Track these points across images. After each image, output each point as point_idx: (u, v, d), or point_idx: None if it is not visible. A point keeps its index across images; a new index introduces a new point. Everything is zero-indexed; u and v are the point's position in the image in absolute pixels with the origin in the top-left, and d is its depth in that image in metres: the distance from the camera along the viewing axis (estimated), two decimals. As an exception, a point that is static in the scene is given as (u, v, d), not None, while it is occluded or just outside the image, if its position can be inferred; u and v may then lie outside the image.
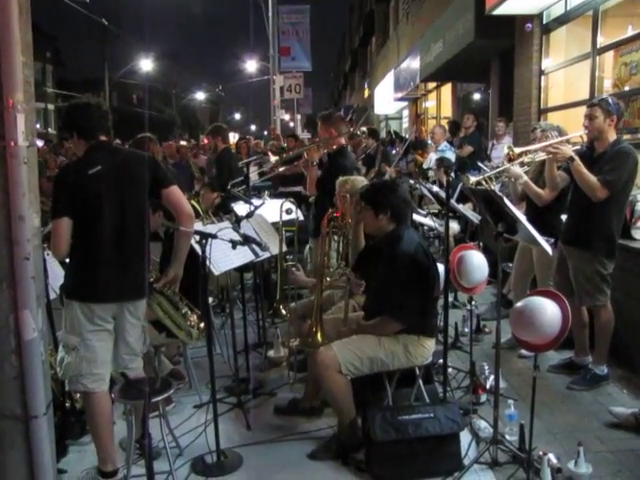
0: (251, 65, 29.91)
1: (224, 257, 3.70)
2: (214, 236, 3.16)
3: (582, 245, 4.04)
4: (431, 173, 7.82)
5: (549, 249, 3.31)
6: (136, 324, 3.06)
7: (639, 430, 3.51)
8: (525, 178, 4.47)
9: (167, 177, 3.16)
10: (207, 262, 3.22)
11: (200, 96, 52.65)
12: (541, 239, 3.20)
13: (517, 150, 4.29)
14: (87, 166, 2.93)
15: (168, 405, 3.75)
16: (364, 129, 5.65)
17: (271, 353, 4.74)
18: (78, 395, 3.41)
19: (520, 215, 3.15)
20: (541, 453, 3.09)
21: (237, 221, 4.13)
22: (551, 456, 3.10)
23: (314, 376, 3.48)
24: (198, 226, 3.71)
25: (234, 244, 3.33)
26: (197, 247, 3.25)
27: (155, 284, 3.21)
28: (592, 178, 3.88)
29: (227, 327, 4.84)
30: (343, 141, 5.08)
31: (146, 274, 3.12)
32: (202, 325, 3.34)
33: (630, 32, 6.21)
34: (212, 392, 3.33)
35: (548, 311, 2.89)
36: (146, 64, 34.79)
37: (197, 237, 3.21)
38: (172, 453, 3.27)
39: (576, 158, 3.92)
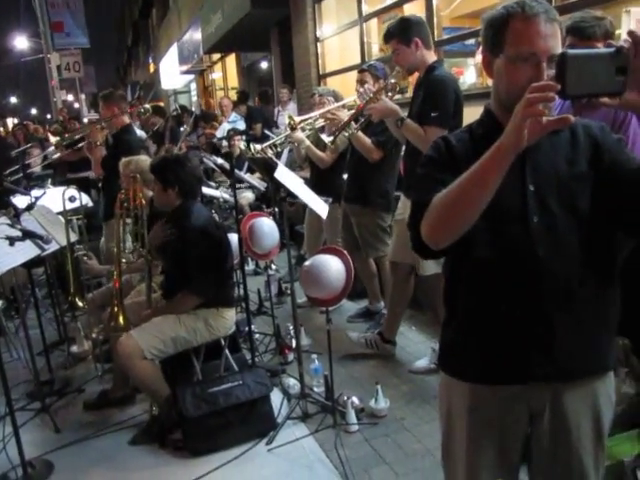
0: (21, 42, 27.28)
1: (4, 255, 3.42)
2: (-16, 235, 2.92)
3: (361, 202, 4.35)
4: (225, 143, 7.84)
5: (323, 212, 3.48)
6: None
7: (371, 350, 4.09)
8: (307, 143, 4.67)
9: None
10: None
11: (-36, 80, 47.14)
12: (315, 202, 3.38)
13: (297, 119, 4.45)
14: None
15: (-43, 428, 3.43)
16: (148, 106, 5.50)
17: (74, 348, 4.52)
18: None
19: (292, 180, 3.29)
20: (345, 398, 3.34)
21: (16, 215, 3.83)
22: (354, 399, 3.36)
23: (120, 364, 3.40)
24: (-33, 226, 3.39)
25: (11, 241, 3.10)
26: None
27: None
28: (367, 141, 4.14)
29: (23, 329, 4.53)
30: (127, 119, 4.92)
31: None
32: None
33: (388, 1, 6.71)
34: (7, 401, 3.09)
35: (332, 267, 3.09)
36: None
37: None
38: (-32, 481, 3.04)
39: (352, 124, 4.12)
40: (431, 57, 3.43)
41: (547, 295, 1.50)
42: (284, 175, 3.21)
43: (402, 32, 3.35)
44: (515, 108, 1.27)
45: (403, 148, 4.03)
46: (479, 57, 5.33)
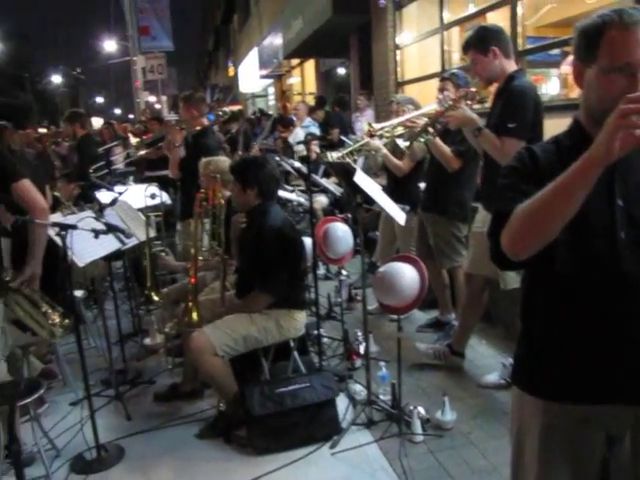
0: (110, 45, 28.51)
1: (88, 247, 3.59)
2: (74, 227, 3.05)
3: (438, 211, 4.32)
4: (300, 147, 7.93)
5: (401, 219, 3.48)
6: (-8, 326, 2.91)
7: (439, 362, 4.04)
8: (384, 151, 4.67)
9: (16, 171, 3.00)
10: (69, 254, 3.11)
11: (57, 79, 49.62)
12: (393, 208, 3.38)
13: (376, 126, 4.45)
14: None
15: (41, 406, 3.62)
16: (227, 109, 5.63)
17: (147, 341, 4.68)
18: None
19: (371, 186, 3.29)
20: (411, 408, 3.31)
21: (100, 209, 4.01)
22: (420, 409, 3.33)
23: (191, 359, 3.49)
24: (57, 217, 3.57)
25: (96, 233, 3.23)
26: (57, 239, 3.13)
27: (11, 283, 3.05)
28: (446, 150, 4.11)
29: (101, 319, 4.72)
30: (205, 121, 5.04)
31: (1, 273, 2.97)
32: (67, 321, 3.22)
33: (471, 10, 6.62)
34: (86, 386, 3.23)
35: (406, 275, 3.08)
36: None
37: (56, 229, 3.09)
38: (48, 456, 3.16)
39: (432, 132, 4.09)
40: (511, 66, 3.36)
41: (632, 314, 1.45)
42: (363, 180, 3.22)
43: (479, 41, 3.32)
44: (607, 119, 1.24)
45: (482, 158, 3.97)
46: (564, 68, 5.17)
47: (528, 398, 1.63)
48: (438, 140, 4.04)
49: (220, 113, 5.36)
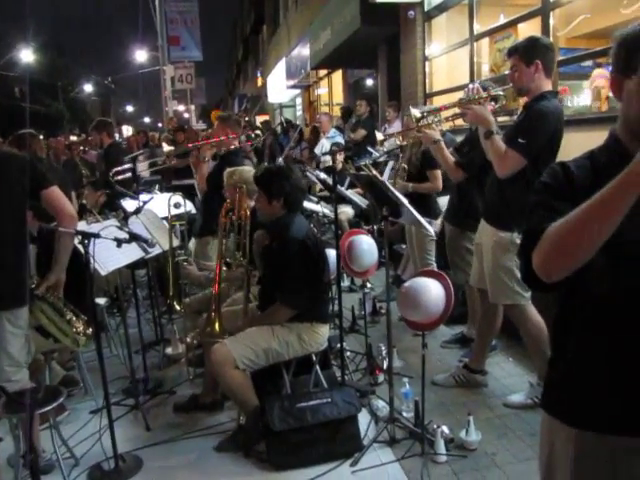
0: (141, 55, 28.90)
1: (111, 256, 3.58)
2: (97, 235, 3.03)
3: (453, 222, 4.32)
4: (327, 158, 7.92)
5: (432, 231, 3.43)
6: (18, 334, 2.88)
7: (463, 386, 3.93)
8: (411, 184, 4.65)
9: (45, 178, 2.99)
10: (92, 262, 3.10)
11: (89, 88, 50.40)
12: (423, 221, 3.31)
13: (380, 136, 4.34)
14: None
15: (61, 414, 3.60)
16: (259, 132, 5.60)
17: (169, 350, 4.65)
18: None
19: (403, 198, 3.24)
20: (435, 426, 3.23)
21: (125, 218, 4.00)
22: (444, 428, 3.24)
23: (212, 371, 3.45)
24: (82, 225, 3.57)
25: (119, 242, 3.22)
26: (80, 247, 3.12)
27: (36, 290, 3.04)
28: (450, 160, 4.03)
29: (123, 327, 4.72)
30: (236, 143, 5.00)
31: (27, 280, 2.95)
32: (90, 330, 3.20)
33: (502, 20, 6.55)
34: (105, 395, 3.20)
35: (432, 291, 3.00)
36: (27, 55, 32.82)
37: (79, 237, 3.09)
38: (67, 464, 3.16)
39: (439, 141, 3.93)
40: (546, 85, 3.31)
41: None
42: (393, 192, 3.17)
43: (526, 50, 3.26)
44: None
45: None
46: (598, 80, 5.05)
47: (559, 425, 1.55)
48: (443, 149, 3.97)
49: (252, 135, 5.31)
